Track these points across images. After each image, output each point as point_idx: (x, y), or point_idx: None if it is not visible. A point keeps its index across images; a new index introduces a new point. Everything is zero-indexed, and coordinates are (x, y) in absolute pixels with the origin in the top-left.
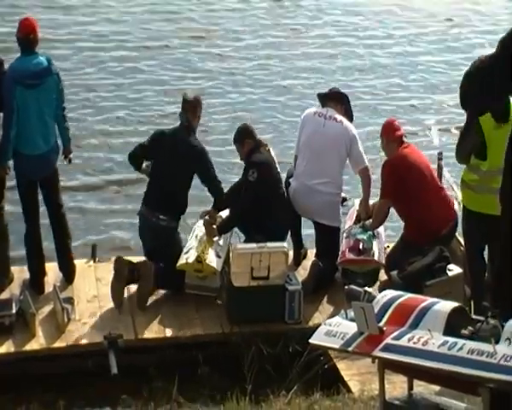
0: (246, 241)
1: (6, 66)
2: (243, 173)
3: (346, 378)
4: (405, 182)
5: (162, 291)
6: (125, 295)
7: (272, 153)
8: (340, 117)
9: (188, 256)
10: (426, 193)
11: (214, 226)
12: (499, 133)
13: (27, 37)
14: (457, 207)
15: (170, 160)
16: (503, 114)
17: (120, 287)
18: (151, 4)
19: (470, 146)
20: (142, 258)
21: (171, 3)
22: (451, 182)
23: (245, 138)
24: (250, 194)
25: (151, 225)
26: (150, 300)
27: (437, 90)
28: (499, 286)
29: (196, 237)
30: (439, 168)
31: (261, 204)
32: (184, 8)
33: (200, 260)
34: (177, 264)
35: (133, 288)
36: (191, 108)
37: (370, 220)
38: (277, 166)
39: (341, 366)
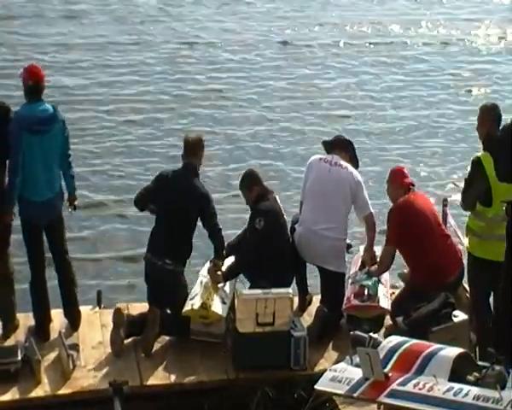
0: (251, 287)
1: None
2: (249, 221)
3: None
4: (412, 228)
5: (167, 337)
6: (130, 341)
7: (278, 200)
8: (345, 163)
9: (193, 303)
10: (432, 240)
11: (219, 273)
12: None
13: (38, 84)
14: (463, 254)
15: (172, 202)
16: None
17: (119, 339)
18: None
19: (476, 193)
20: (147, 304)
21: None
22: (457, 228)
23: (253, 185)
24: (256, 241)
25: (157, 270)
26: (155, 346)
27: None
28: (500, 333)
29: (201, 283)
30: (444, 215)
31: (267, 251)
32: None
33: (205, 306)
34: (183, 310)
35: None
36: (192, 149)
37: (375, 266)
38: (283, 212)
39: None
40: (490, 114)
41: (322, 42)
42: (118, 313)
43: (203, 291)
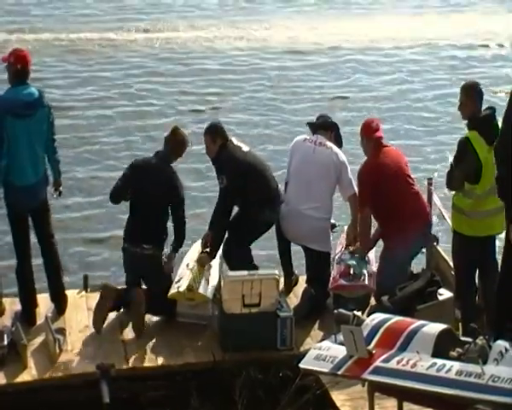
0: (237, 244)
1: None
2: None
3: (338, 404)
4: (381, 190)
5: (154, 319)
6: (116, 324)
7: (237, 142)
8: (329, 144)
9: (179, 285)
10: (402, 200)
11: (203, 255)
12: (492, 156)
13: (25, 68)
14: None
15: (146, 190)
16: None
17: (102, 314)
18: None
19: (466, 172)
20: None
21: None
22: (441, 207)
23: (217, 136)
24: (225, 201)
25: (136, 257)
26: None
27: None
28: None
29: (187, 265)
30: (429, 194)
31: (243, 197)
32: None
33: (191, 288)
34: (169, 293)
35: (127, 319)
36: (173, 142)
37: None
38: (245, 149)
39: (333, 391)
40: (473, 92)
41: (324, 40)
42: (107, 289)
43: (189, 273)
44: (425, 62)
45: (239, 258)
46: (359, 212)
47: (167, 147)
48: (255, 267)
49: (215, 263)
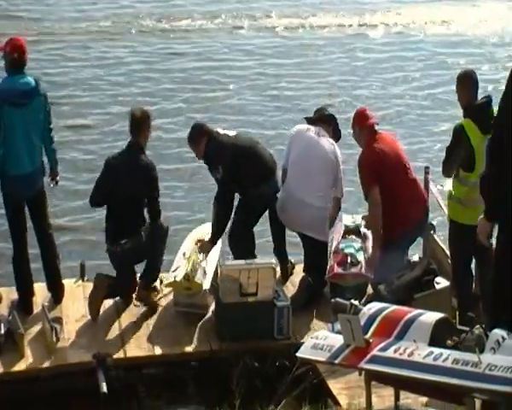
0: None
1: None
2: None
3: (334, 392)
4: (382, 181)
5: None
6: (114, 313)
7: (225, 131)
8: (331, 140)
9: (176, 274)
10: (401, 189)
11: (204, 242)
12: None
13: (22, 57)
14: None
15: (120, 187)
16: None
17: (96, 303)
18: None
19: (459, 159)
20: None
21: None
22: (438, 196)
23: (200, 138)
24: (224, 188)
25: (119, 256)
26: (138, 318)
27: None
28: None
29: (184, 255)
30: (426, 182)
31: (239, 182)
32: None
33: (188, 277)
34: (165, 282)
35: (124, 308)
36: (139, 126)
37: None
38: (231, 133)
39: (330, 380)
40: (468, 80)
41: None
42: (99, 278)
43: (185, 262)
44: (437, 57)
45: (241, 246)
46: (367, 198)
47: (133, 133)
48: (254, 256)
49: (212, 252)
